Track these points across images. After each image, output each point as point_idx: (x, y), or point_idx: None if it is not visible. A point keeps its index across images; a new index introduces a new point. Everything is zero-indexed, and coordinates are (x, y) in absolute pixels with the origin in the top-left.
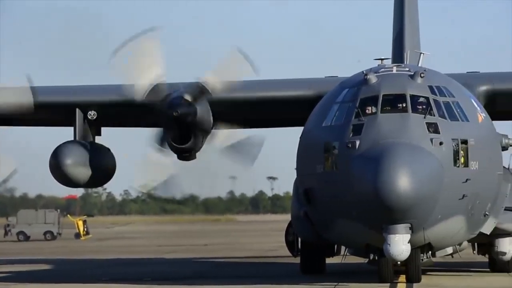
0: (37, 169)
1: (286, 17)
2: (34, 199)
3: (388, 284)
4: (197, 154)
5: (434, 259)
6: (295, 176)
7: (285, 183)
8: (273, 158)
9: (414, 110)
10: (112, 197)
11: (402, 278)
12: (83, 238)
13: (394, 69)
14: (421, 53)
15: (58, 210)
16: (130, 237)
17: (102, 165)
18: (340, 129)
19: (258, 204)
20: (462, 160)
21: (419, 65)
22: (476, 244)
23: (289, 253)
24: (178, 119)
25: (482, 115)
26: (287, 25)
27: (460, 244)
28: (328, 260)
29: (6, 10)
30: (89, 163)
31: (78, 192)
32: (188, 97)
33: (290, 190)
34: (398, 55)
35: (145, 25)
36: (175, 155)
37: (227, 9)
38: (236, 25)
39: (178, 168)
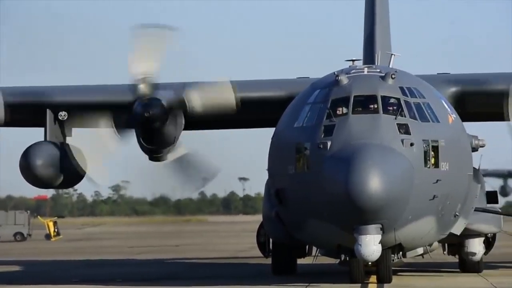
0: (7, 170)
1: (257, 17)
2: (4, 200)
3: (359, 285)
4: (169, 155)
5: (404, 260)
6: (266, 177)
7: (256, 184)
8: (245, 159)
9: (385, 111)
10: (83, 198)
11: (373, 278)
12: (53, 239)
13: (365, 70)
14: (392, 54)
15: (28, 211)
16: (101, 238)
17: (73, 166)
18: (312, 130)
19: (229, 205)
20: (432, 161)
21: (390, 66)
22: (446, 244)
23: (260, 254)
24: (150, 120)
25: (452, 116)
26: (258, 26)
27: (430, 245)
28: (300, 261)
29: None
30: (60, 164)
31: (49, 193)
32: (164, 102)
33: (262, 191)
34: (369, 56)
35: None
36: (147, 156)
37: (200, 9)
38: (207, 25)
39: (150, 169)
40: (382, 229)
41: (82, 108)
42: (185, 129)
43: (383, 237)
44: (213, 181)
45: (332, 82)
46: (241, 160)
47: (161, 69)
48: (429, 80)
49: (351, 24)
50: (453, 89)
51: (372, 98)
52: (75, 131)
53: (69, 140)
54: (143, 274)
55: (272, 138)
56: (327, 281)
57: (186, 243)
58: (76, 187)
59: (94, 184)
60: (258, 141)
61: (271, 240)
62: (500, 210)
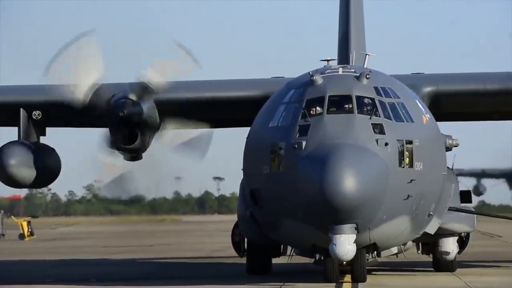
0: None
1: (231, 16)
2: None
3: (334, 284)
4: (143, 154)
5: (379, 259)
6: (241, 176)
7: (231, 183)
8: (220, 159)
9: (360, 111)
10: (57, 197)
11: (348, 278)
12: (27, 239)
13: (340, 70)
14: (366, 54)
15: (2, 211)
16: (75, 238)
17: (47, 166)
18: (287, 130)
19: (204, 204)
20: (407, 160)
21: (365, 66)
22: (420, 244)
23: (235, 254)
24: (125, 119)
25: (426, 116)
26: (233, 24)
27: (404, 244)
28: (274, 261)
29: None
30: (34, 164)
31: (22, 192)
32: (133, 97)
33: (237, 190)
34: (344, 56)
35: (77, 26)
36: (121, 156)
37: (171, 8)
38: (180, 25)
39: (124, 169)
40: (356, 228)
41: (56, 108)
42: (159, 130)
43: (357, 236)
44: (188, 180)
45: (307, 82)
46: (216, 159)
47: (110, 69)
48: (404, 80)
49: (325, 24)
50: (427, 89)
51: (347, 98)
52: (49, 130)
53: (43, 139)
54: (117, 273)
55: (247, 138)
56: (301, 280)
57: (160, 243)
58: (50, 186)
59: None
60: (233, 140)
61: (246, 239)
62: (473, 210)
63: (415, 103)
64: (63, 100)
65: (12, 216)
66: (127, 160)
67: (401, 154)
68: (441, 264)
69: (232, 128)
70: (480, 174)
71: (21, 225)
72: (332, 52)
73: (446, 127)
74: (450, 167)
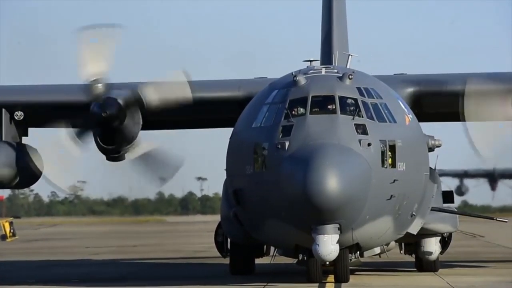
0: None
1: (214, 17)
2: None
3: (317, 284)
4: (126, 155)
5: (362, 259)
6: (224, 177)
7: (214, 184)
8: (203, 159)
9: (343, 111)
10: (39, 198)
11: (331, 278)
12: (9, 239)
13: (323, 70)
14: (349, 54)
15: None
16: (57, 238)
17: (29, 166)
18: (270, 130)
19: (187, 205)
20: (389, 161)
21: (348, 66)
22: (403, 244)
23: (218, 254)
24: (106, 120)
25: (409, 116)
26: (216, 25)
27: (387, 244)
28: (258, 261)
29: None
30: (16, 164)
31: (5, 193)
32: (121, 101)
33: (220, 191)
34: (326, 57)
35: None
36: (104, 156)
37: (154, 7)
38: (166, 24)
39: (107, 169)
40: (339, 229)
41: (38, 108)
42: (142, 129)
43: (340, 236)
44: (171, 181)
45: (290, 82)
46: (199, 160)
47: (113, 68)
48: (386, 80)
49: (308, 24)
50: (410, 90)
51: (330, 99)
52: (32, 131)
53: (25, 140)
54: (100, 274)
55: (230, 138)
56: (285, 281)
57: (143, 244)
58: (32, 187)
59: (53, 185)
60: (216, 141)
61: (229, 240)
62: (456, 210)
63: (397, 104)
64: (46, 100)
65: None
66: (110, 160)
67: (384, 154)
68: (424, 264)
69: (215, 128)
70: (462, 175)
71: (3, 226)
72: (315, 52)
73: (429, 128)
74: (433, 167)
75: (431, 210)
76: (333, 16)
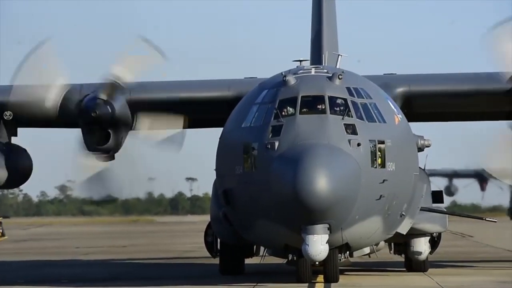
0: None
1: (204, 16)
2: None
3: (307, 284)
4: (116, 155)
5: (351, 259)
6: (214, 177)
7: (204, 184)
8: (193, 159)
9: (332, 111)
10: (28, 198)
11: (320, 278)
12: None
13: (313, 70)
14: (339, 54)
15: None
16: (47, 238)
17: (18, 166)
18: (259, 130)
19: (177, 205)
20: (379, 161)
21: (337, 66)
22: (392, 244)
23: (208, 254)
24: (97, 120)
25: (398, 116)
26: (206, 24)
27: (377, 244)
28: (247, 261)
29: None
30: (5, 164)
31: None
32: (103, 96)
33: (210, 191)
34: (316, 57)
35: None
36: (94, 156)
37: (144, 8)
38: (153, 25)
39: (97, 169)
40: (329, 229)
41: (27, 108)
42: (131, 129)
43: (330, 236)
44: (161, 181)
45: (279, 82)
46: (189, 160)
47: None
48: (376, 80)
49: (298, 24)
50: (399, 90)
51: (320, 99)
52: (21, 131)
53: (14, 140)
54: (90, 274)
55: (220, 138)
56: (274, 281)
57: (133, 244)
58: (21, 187)
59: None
60: (206, 141)
61: (218, 240)
62: (445, 210)
63: (387, 104)
64: (34, 101)
65: None
66: (99, 160)
67: (374, 154)
68: (413, 264)
69: (205, 128)
70: (452, 175)
71: None
72: (305, 52)
73: (418, 128)
74: (422, 167)
75: (421, 210)
76: (323, 16)
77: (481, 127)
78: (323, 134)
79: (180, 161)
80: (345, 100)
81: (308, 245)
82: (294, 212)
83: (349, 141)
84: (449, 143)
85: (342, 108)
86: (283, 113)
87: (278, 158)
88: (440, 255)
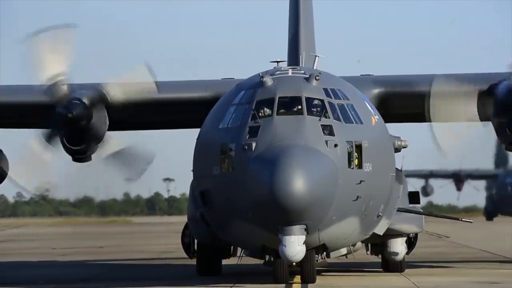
0: None
1: (181, 17)
2: None
3: (284, 285)
4: (93, 155)
5: (328, 260)
6: (191, 177)
7: (181, 184)
8: (170, 160)
9: (310, 112)
10: (4, 199)
11: (297, 278)
12: None
13: (290, 71)
14: (316, 55)
15: None
16: (23, 239)
17: None
18: (237, 131)
19: (154, 206)
20: (356, 162)
21: (314, 67)
22: (369, 244)
23: (185, 255)
24: (73, 121)
25: (375, 117)
26: (183, 25)
27: (354, 245)
28: (225, 262)
29: None
30: None
31: None
32: (86, 100)
33: (187, 191)
34: (293, 58)
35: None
36: (70, 157)
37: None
38: (133, 25)
39: (73, 170)
40: (306, 229)
41: (1, 109)
42: (109, 130)
43: (307, 237)
44: (138, 181)
45: (257, 83)
46: (166, 161)
47: (75, 69)
48: (353, 81)
49: (275, 25)
50: (376, 91)
51: (297, 100)
52: None
53: None
54: (66, 275)
55: (197, 139)
56: (251, 281)
57: (110, 245)
58: None
59: (18, 186)
60: (183, 142)
61: (196, 241)
62: (422, 210)
63: (364, 105)
64: (8, 101)
65: None
66: (75, 161)
67: (350, 155)
68: (390, 265)
69: (182, 129)
70: (428, 175)
71: None
72: (282, 53)
73: (395, 129)
74: (399, 168)
75: (397, 210)
76: (300, 17)
77: (457, 128)
78: (300, 135)
79: (157, 162)
80: (322, 101)
81: (285, 246)
82: (271, 213)
83: (326, 142)
84: (425, 144)
85: (319, 109)
86: (260, 114)
87: (255, 159)
88: (417, 256)
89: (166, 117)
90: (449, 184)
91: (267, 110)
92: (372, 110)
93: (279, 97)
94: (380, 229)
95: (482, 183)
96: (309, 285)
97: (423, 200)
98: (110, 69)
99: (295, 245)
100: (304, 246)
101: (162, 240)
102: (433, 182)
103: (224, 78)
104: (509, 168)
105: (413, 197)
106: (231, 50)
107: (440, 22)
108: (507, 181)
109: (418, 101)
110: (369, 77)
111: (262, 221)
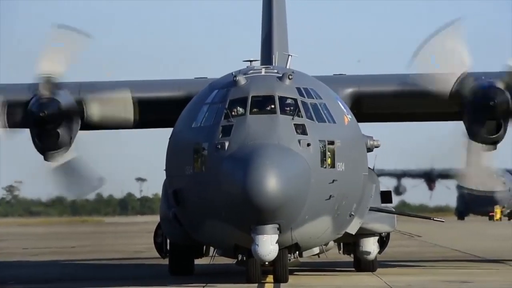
0: None
1: (153, 16)
2: None
3: (256, 285)
4: (65, 155)
5: (301, 259)
6: (164, 177)
7: (154, 184)
8: (142, 160)
9: (283, 111)
10: None
11: (270, 278)
12: None
13: (263, 71)
14: (289, 55)
15: None
16: None
17: None
18: (210, 130)
19: (126, 205)
20: (329, 161)
21: (287, 67)
22: (341, 244)
23: (157, 255)
24: (44, 120)
25: (348, 117)
26: (155, 24)
27: (326, 244)
28: (197, 261)
29: None
30: None
31: None
32: (62, 105)
33: (159, 191)
34: (266, 57)
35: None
36: (42, 156)
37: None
38: (108, 24)
39: (45, 169)
40: (279, 229)
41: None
42: (82, 129)
43: (280, 237)
44: (110, 182)
45: (230, 82)
46: (138, 160)
47: (66, 71)
48: (326, 81)
49: (248, 24)
50: (348, 90)
51: (270, 99)
52: None
53: None
54: (38, 275)
55: (169, 139)
56: (224, 281)
57: (82, 244)
58: None
59: None
60: (155, 141)
61: (168, 240)
62: (394, 210)
63: (337, 104)
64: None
65: None
66: (47, 160)
67: (323, 154)
68: (362, 264)
69: (155, 128)
70: (401, 175)
71: None
72: (255, 52)
73: (367, 128)
74: (371, 167)
75: (370, 210)
76: (273, 17)
77: (429, 128)
78: (273, 134)
79: (129, 161)
80: (295, 100)
81: (257, 245)
82: (244, 212)
83: (299, 141)
84: (397, 144)
85: (292, 108)
86: (233, 113)
87: (228, 158)
88: (389, 255)
89: (138, 117)
90: (421, 183)
91: (240, 109)
92: (345, 110)
93: (252, 96)
94: (352, 228)
95: (454, 183)
96: (282, 284)
97: (396, 200)
98: (86, 69)
99: (267, 244)
100: (276, 245)
101: (135, 240)
102: (405, 181)
103: (197, 78)
104: None
105: (386, 196)
106: (204, 50)
107: (416, 21)
108: None
109: (391, 101)
110: (342, 76)
111: (235, 220)
